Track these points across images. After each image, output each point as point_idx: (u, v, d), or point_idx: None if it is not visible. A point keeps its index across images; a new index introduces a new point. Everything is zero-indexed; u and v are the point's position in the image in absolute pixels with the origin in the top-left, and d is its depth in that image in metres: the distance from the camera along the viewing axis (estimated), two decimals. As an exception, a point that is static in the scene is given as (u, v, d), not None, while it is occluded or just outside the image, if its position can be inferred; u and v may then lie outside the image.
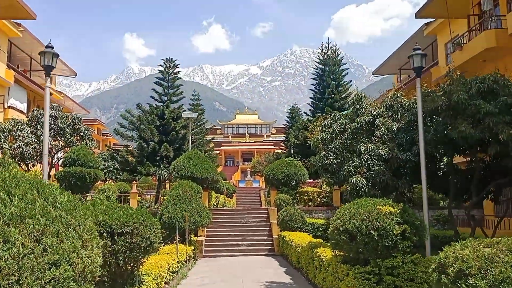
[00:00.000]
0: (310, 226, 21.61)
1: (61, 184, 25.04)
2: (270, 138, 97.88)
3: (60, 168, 28.02)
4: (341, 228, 8.66)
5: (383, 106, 13.18)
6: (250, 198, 51.72)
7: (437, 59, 27.48)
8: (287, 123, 53.84)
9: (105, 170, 49.17)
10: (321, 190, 25.51)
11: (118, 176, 41.29)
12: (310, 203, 24.68)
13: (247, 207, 30.44)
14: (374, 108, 12.82)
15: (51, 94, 47.68)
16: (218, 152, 76.98)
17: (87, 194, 24.33)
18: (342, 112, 14.33)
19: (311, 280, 12.29)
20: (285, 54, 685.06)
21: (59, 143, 30.63)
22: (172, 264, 12.92)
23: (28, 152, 27.86)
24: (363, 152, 11.69)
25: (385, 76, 36.68)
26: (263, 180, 67.71)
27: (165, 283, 11.77)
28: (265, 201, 48.26)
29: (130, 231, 8.23)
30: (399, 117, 12.76)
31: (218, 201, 30.23)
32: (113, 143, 69.27)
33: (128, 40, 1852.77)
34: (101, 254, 5.10)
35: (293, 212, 20.13)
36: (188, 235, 18.54)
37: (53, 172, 29.16)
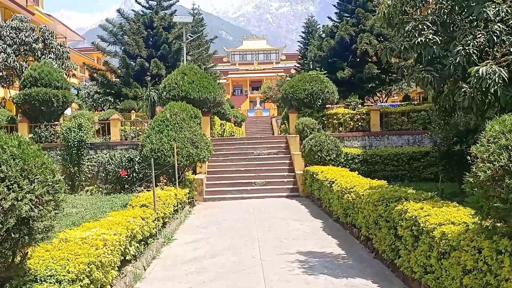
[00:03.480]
0: (343, 157, 16.46)
1: (22, 110, 19.72)
2: (280, 65, 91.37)
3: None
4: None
5: None
6: (261, 126, 46.72)
7: None
8: (302, 39, 47.15)
9: (101, 99, 44.09)
10: (354, 112, 19.97)
11: (118, 106, 35.79)
12: (340, 128, 19.24)
13: (260, 136, 25.10)
14: None
15: (33, 14, 40.92)
16: (225, 80, 71.49)
17: (57, 123, 19.04)
18: None
19: (379, 253, 7.09)
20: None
21: (26, 62, 24.95)
22: (140, 230, 7.69)
23: (-15, 73, 22.33)
24: (492, 18, 5.99)
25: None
26: (275, 107, 62.54)
27: (119, 267, 6.58)
28: (278, 129, 43.10)
29: None
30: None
31: (224, 129, 24.87)
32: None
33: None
34: None
35: (324, 140, 14.72)
36: (180, 174, 13.38)
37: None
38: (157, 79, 23.68)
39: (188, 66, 19.82)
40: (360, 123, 19.35)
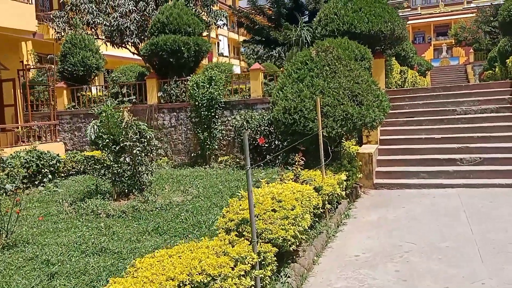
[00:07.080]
0: None
1: (150, 64, 16.56)
2: (472, 5, 76.27)
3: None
4: None
5: None
6: (451, 76, 37.77)
7: None
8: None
9: (265, 55, 40.91)
10: None
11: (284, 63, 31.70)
12: None
13: (464, 84, 17.83)
14: None
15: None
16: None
17: (188, 78, 15.28)
18: None
19: None
20: None
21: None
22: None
23: (125, 25, 19.95)
24: None
25: None
26: (467, 54, 51.37)
27: None
28: (476, 78, 33.82)
29: None
30: None
31: (405, 78, 18.33)
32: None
33: None
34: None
35: None
36: (332, 148, 8.04)
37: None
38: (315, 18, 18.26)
39: (352, -13, 13.89)
40: None
